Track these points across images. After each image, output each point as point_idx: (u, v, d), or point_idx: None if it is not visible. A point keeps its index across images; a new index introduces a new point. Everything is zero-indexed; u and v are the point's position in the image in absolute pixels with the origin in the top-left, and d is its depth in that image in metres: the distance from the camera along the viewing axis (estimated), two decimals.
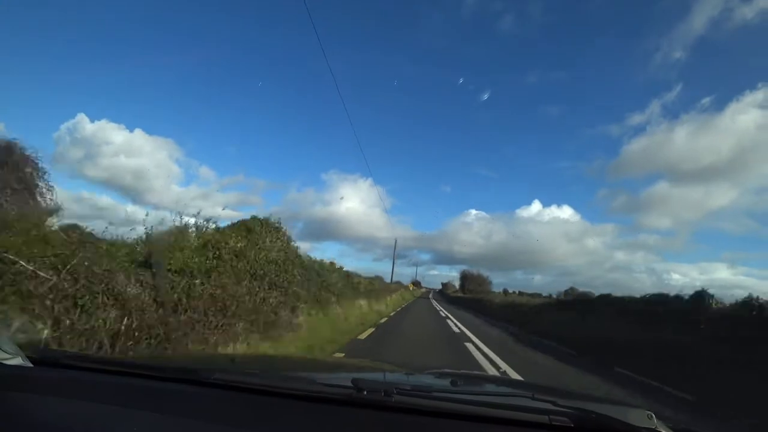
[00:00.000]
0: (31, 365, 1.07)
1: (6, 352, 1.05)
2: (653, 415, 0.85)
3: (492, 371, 6.07)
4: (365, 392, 0.92)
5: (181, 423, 0.86)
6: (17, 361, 1.06)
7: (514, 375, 5.93)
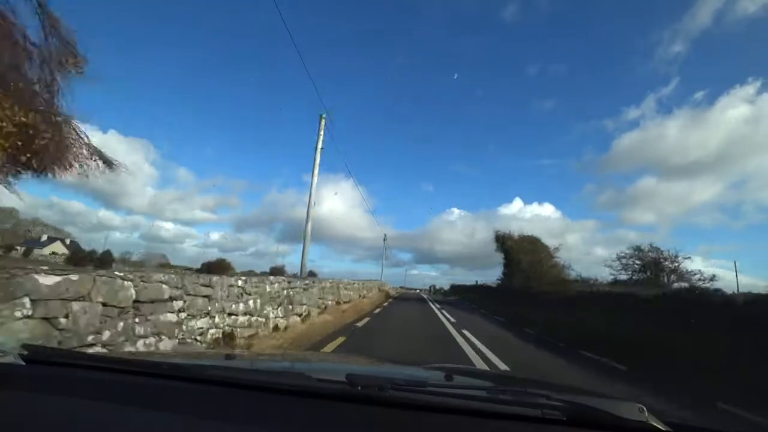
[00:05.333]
0: (23, 363, 1.06)
1: None
2: (644, 408, 0.86)
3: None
4: (359, 387, 0.93)
5: (175, 420, 0.85)
6: (9, 359, 1.05)
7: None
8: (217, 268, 23.00)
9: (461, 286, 56.85)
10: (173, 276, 4.35)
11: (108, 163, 6.84)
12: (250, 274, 19.17)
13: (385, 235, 42.90)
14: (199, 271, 20.20)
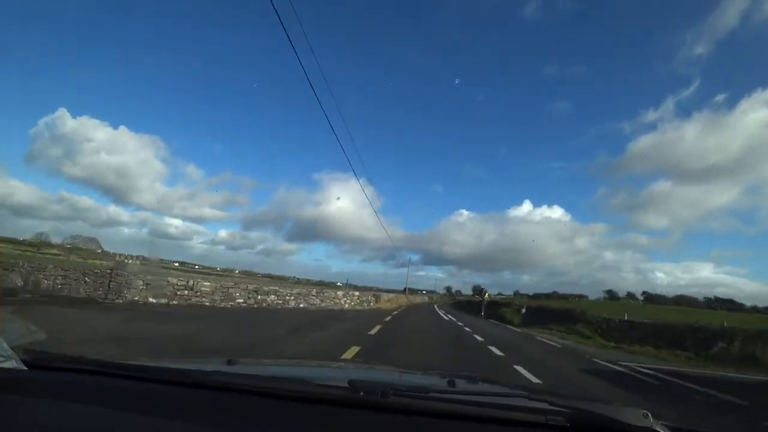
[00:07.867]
0: (26, 368, 1.06)
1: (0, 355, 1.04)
2: (649, 414, 0.86)
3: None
4: (362, 393, 0.92)
5: (177, 426, 0.85)
6: (11, 363, 1.05)
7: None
8: None
9: None
10: None
11: None
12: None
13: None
14: None
